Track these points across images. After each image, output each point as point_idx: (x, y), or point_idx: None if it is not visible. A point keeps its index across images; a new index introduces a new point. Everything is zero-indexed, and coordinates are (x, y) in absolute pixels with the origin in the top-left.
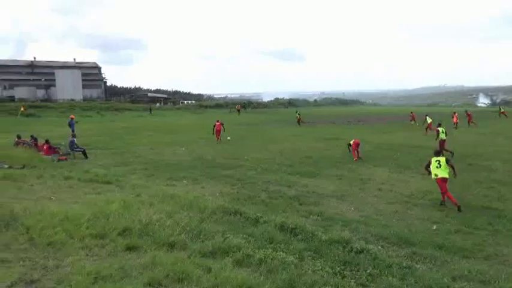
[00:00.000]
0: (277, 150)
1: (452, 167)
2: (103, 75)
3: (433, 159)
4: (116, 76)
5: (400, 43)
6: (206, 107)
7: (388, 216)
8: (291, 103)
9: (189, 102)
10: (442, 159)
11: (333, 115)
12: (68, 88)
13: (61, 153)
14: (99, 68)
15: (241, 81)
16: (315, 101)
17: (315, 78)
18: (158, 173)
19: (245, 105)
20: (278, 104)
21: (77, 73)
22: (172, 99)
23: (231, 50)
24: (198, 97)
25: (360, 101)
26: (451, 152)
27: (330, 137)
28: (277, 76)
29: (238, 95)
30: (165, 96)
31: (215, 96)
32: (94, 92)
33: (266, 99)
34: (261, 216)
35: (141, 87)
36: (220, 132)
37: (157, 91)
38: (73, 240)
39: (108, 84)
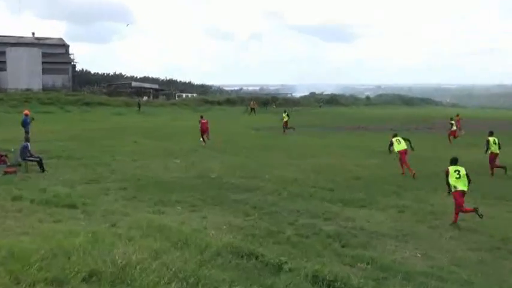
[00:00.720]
0: (312, 166)
1: (469, 180)
2: (71, 56)
3: (451, 169)
4: (89, 58)
5: (495, 17)
6: (212, 102)
7: (470, 267)
8: (334, 100)
9: (189, 95)
10: (462, 168)
11: (392, 119)
12: (23, 73)
13: (8, 163)
14: (66, 47)
15: (264, 69)
16: (367, 98)
17: (368, 66)
18: (142, 195)
19: (267, 102)
20: (315, 100)
21: (36, 53)
22: (166, 91)
23: (252, 24)
24: (202, 89)
25: (431, 100)
26: (503, 167)
27: (387, 150)
28: (316, 62)
29: (258, 87)
30: (155, 86)
31: (225, 88)
32: (58, 79)
33: (299, 93)
34: (286, 262)
35: (123, 73)
36: (207, 132)
37: (145, 79)
38: (19, 287)
39: (78, 68)
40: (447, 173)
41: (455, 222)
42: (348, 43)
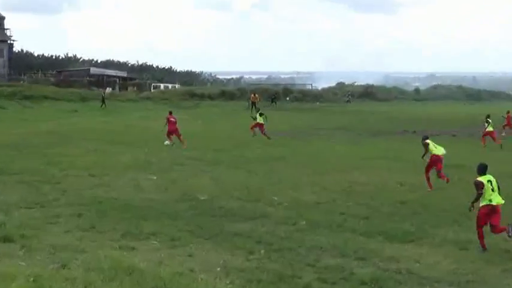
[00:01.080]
0: (339, 186)
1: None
2: (7, 32)
3: (485, 179)
4: (31, 34)
5: None
6: (202, 96)
7: None
8: (370, 93)
9: (169, 86)
10: (493, 178)
11: (452, 119)
12: None
13: None
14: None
15: (273, 51)
16: (416, 90)
17: (418, 46)
18: (104, 224)
19: (274, 96)
20: (343, 93)
21: None
22: (137, 80)
23: None
24: (188, 78)
25: (506, 94)
26: None
27: (445, 163)
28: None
29: (265, 75)
30: (122, 74)
31: (220, 76)
32: None
33: (322, 84)
34: None
35: (78, 56)
36: (176, 131)
37: (109, 64)
38: None
39: (17, 49)
40: (479, 186)
41: (483, 247)
42: (390, 15)
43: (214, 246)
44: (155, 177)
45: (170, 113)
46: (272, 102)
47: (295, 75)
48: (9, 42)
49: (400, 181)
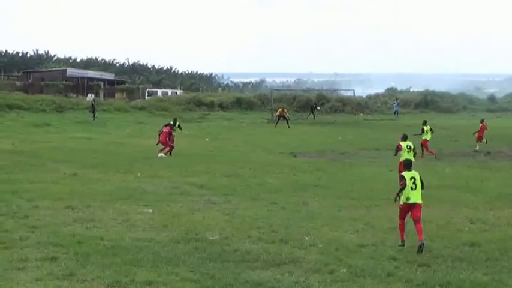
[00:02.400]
0: (390, 222)
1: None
2: None
3: (408, 175)
4: None
5: None
6: (211, 105)
7: None
8: (429, 102)
9: (169, 92)
10: (418, 176)
11: None
12: None
13: None
14: None
15: (305, 48)
16: (491, 98)
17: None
18: (86, 271)
19: (315, 106)
20: (394, 101)
21: None
22: (128, 84)
23: None
24: (193, 81)
25: None
26: None
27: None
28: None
29: (293, 78)
30: (109, 77)
31: (234, 79)
32: None
33: (368, 90)
34: None
35: (52, 53)
36: (168, 142)
37: (91, 64)
38: None
39: None
40: (403, 179)
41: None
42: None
43: None
44: (150, 211)
45: (166, 125)
46: (311, 112)
47: (332, 78)
48: None
49: (470, 217)
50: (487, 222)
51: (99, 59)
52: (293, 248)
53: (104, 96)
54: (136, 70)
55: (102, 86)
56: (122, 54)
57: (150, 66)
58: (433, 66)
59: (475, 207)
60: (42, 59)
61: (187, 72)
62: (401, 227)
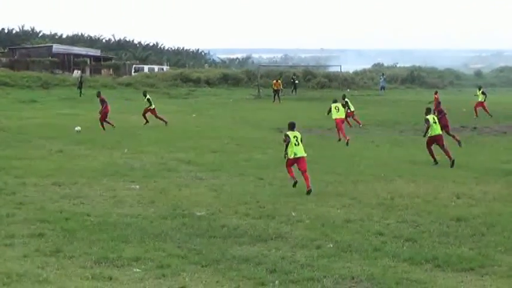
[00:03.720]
0: (377, 197)
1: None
2: None
3: (291, 134)
4: None
5: None
6: (197, 81)
7: None
8: (415, 78)
9: (155, 69)
10: (299, 135)
11: None
12: None
13: None
14: None
15: (292, 23)
16: (478, 73)
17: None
18: (73, 247)
19: (293, 80)
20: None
21: None
22: (115, 60)
23: None
24: (179, 57)
25: None
26: None
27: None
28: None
29: (280, 54)
30: (95, 53)
31: (220, 56)
32: None
33: (354, 66)
34: None
35: (37, 30)
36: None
37: (77, 40)
38: None
39: None
40: (287, 138)
41: (291, 177)
42: None
43: (214, 276)
44: (138, 187)
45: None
46: (293, 88)
47: (319, 54)
48: None
49: (456, 192)
50: (474, 197)
51: (85, 35)
52: (280, 223)
53: (91, 72)
54: (123, 46)
55: (89, 63)
56: (107, 30)
57: (136, 43)
58: (421, 42)
59: (462, 182)
60: (27, 35)
61: (173, 48)
62: (290, 171)
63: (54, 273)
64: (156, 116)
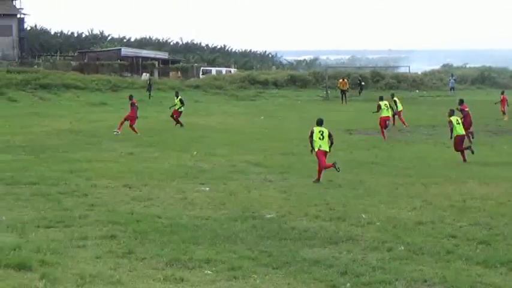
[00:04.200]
0: (449, 199)
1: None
2: (16, 4)
3: (317, 129)
4: (46, 6)
5: None
6: (265, 83)
7: None
8: (486, 78)
9: (223, 71)
10: (326, 130)
11: None
12: None
13: None
14: None
15: (359, 24)
16: None
17: None
18: (144, 249)
19: (360, 82)
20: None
21: None
22: (182, 63)
23: None
24: (246, 59)
25: None
26: None
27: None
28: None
29: (348, 56)
30: (163, 56)
31: (288, 57)
32: None
33: (423, 67)
34: None
35: (106, 33)
36: (134, 119)
37: (145, 43)
38: None
39: (30, 24)
40: (312, 133)
41: (318, 179)
42: None
43: (285, 278)
44: (208, 189)
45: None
46: (360, 90)
47: (387, 55)
48: (19, 16)
49: None
50: None
51: (153, 38)
52: (350, 225)
53: (159, 75)
54: (190, 49)
55: (157, 65)
56: (175, 33)
57: (203, 45)
58: (491, 42)
59: None
60: (96, 39)
61: (241, 50)
62: (323, 161)
63: (126, 274)
64: (176, 119)
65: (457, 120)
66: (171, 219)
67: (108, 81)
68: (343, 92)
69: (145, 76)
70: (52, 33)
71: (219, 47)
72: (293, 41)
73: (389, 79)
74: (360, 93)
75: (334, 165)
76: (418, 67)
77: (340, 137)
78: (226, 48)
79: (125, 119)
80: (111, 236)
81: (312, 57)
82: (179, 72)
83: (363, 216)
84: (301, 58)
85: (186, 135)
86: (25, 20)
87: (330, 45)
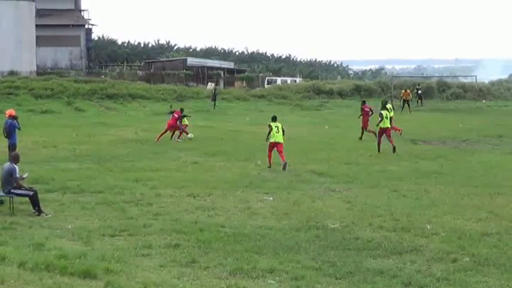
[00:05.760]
0: None
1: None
2: (85, 15)
3: (273, 125)
4: (113, 17)
5: None
6: (330, 93)
7: None
8: None
9: (288, 81)
10: (280, 125)
11: None
12: (4, 44)
13: None
14: (76, 0)
15: (426, 33)
16: None
17: None
18: (208, 258)
19: (418, 90)
20: None
21: (26, 10)
22: (248, 72)
23: None
24: (312, 68)
25: None
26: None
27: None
28: None
29: (414, 65)
30: (228, 66)
31: (353, 67)
32: (63, 55)
33: (490, 76)
34: None
35: (172, 44)
36: (173, 127)
37: (210, 53)
38: None
39: (97, 35)
40: (270, 128)
41: (269, 166)
42: None
43: None
44: (271, 198)
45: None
46: (418, 98)
47: (453, 65)
48: (87, 27)
49: None
50: None
51: (219, 48)
52: (415, 236)
53: (224, 85)
54: (255, 59)
55: (222, 75)
56: (240, 43)
57: (268, 55)
58: None
59: None
60: (163, 49)
61: (306, 60)
62: (270, 155)
63: (190, 283)
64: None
65: (387, 114)
66: (234, 229)
67: (173, 91)
68: (406, 101)
69: (210, 86)
70: (119, 43)
71: (284, 56)
72: (359, 51)
73: (456, 88)
74: (418, 102)
75: (284, 166)
76: (485, 77)
77: (405, 146)
78: (292, 57)
79: (171, 129)
80: (175, 245)
81: (377, 66)
82: (244, 82)
83: (428, 226)
84: (367, 68)
85: (250, 145)
86: (92, 30)
87: (396, 54)
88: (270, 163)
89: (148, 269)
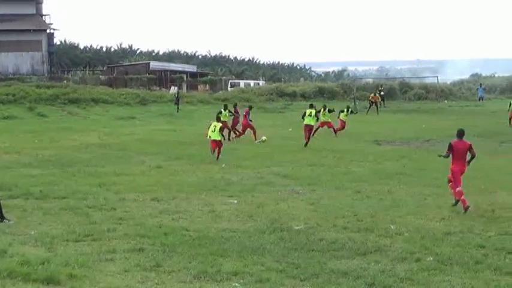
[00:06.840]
0: (478, 209)
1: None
2: (46, 19)
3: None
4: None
5: None
6: (293, 95)
7: None
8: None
9: (251, 84)
10: (218, 124)
11: None
12: None
13: None
14: (37, 2)
15: (386, 35)
16: None
17: None
18: (172, 262)
19: (380, 91)
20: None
21: None
22: (210, 76)
23: None
24: (275, 71)
25: None
26: None
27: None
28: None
29: (376, 66)
30: (191, 69)
31: (316, 69)
32: (25, 60)
33: (452, 76)
34: None
35: (135, 47)
36: (248, 126)
37: (173, 57)
38: None
39: (59, 39)
40: (209, 126)
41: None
42: None
43: None
44: (235, 201)
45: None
46: (381, 100)
47: (415, 65)
48: (48, 31)
49: None
50: None
51: (181, 51)
52: (379, 236)
53: (187, 88)
54: (218, 62)
55: (185, 79)
56: (203, 46)
57: (232, 58)
58: None
59: None
60: (125, 53)
61: (269, 63)
62: (212, 149)
63: (154, 287)
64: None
65: (310, 112)
66: (199, 232)
67: (136, 95)
68: (374, 103)
69: (173, 89)
70: (81, 48)
71: (247, 59)
72: (322, 53)
73: (418, 89)
74: (380, 103)
75: (212, 153)
76: (446, 77)
77: (368, 147)
78: (255, 60)
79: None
80: (139, 249)
81: (340, 68)
82: (207, 86)
83: (391, 227)
84: (330, 70)
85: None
86: (54, 35)
87: (359, 56)
88: (213, 152)
89: (112, 274)
